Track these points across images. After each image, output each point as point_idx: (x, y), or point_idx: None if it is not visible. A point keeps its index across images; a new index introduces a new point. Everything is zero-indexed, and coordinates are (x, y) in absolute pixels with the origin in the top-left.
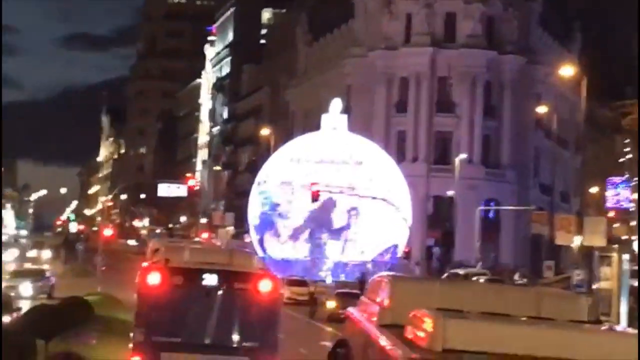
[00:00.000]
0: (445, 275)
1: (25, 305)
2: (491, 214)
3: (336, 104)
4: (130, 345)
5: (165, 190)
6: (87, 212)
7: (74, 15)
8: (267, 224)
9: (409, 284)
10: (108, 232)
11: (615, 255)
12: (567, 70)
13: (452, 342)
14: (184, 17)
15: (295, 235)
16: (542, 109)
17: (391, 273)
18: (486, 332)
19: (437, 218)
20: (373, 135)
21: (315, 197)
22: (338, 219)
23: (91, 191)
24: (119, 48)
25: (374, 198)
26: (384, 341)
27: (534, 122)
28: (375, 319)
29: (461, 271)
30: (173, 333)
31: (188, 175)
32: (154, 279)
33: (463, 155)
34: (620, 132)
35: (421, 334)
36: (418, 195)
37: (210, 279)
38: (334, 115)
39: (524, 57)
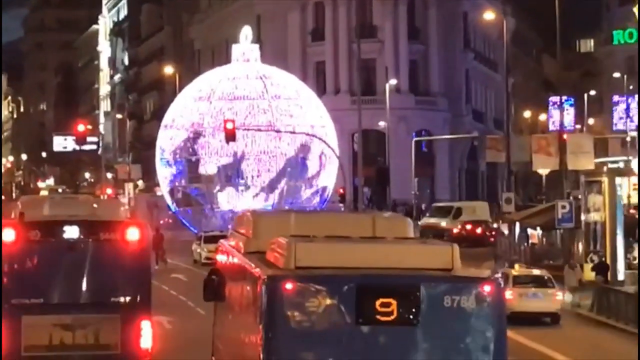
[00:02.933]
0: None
1: None
2: (423, 146)
3: (246, 32)
4: None
5: (62, 143)
6: None
7: None
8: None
9: (268, 216)
10: None
11: (605, 179)
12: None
13: (302, 260)
14: None
15: (271, 186)
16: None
17: (253, 208)
18: (328, 250)
19: (365, 155)
20: (288, 67)
21: (230, 137)
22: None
23: None
24: (19, 9)
25: (294, 133)
26: (249, 264)
27: (462, 43)
28: (242, 248)
29: None
30: (34, 293)
31: (80, 122)
32: (7, 235)
33: (393, 82)
34: (548, 53)
35: (278, 257)
36: (343, 130)
37: (71, 232)
38: (245, 45)
39: None
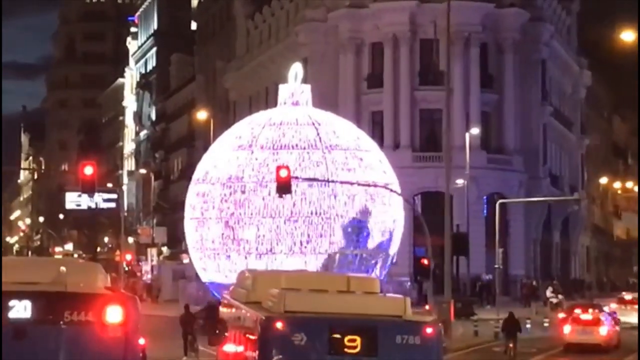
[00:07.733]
0: None
1: None
2: (488, 211)
3: (296, 69)
4: None
5: (75, 201)
6: (10, 239)
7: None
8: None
9: (264, 274)
10: None
11: None
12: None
13: (290, 306)
14: (104, 18)
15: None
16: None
17: (251, 269)
18: (310, 299)
19: (428, 220)
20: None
21: (283, 187)
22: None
23: (13, 217)
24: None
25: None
26: (250, 310)
27: (539, 95)
28: (243, 299)
29: None
30: None
31: (86, 165)
32: None
33: (475, 131)
34: (618, 114)
35: (272, 304)
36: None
37: (20, 309)
38: (294, 86)
39: (526, 12)
